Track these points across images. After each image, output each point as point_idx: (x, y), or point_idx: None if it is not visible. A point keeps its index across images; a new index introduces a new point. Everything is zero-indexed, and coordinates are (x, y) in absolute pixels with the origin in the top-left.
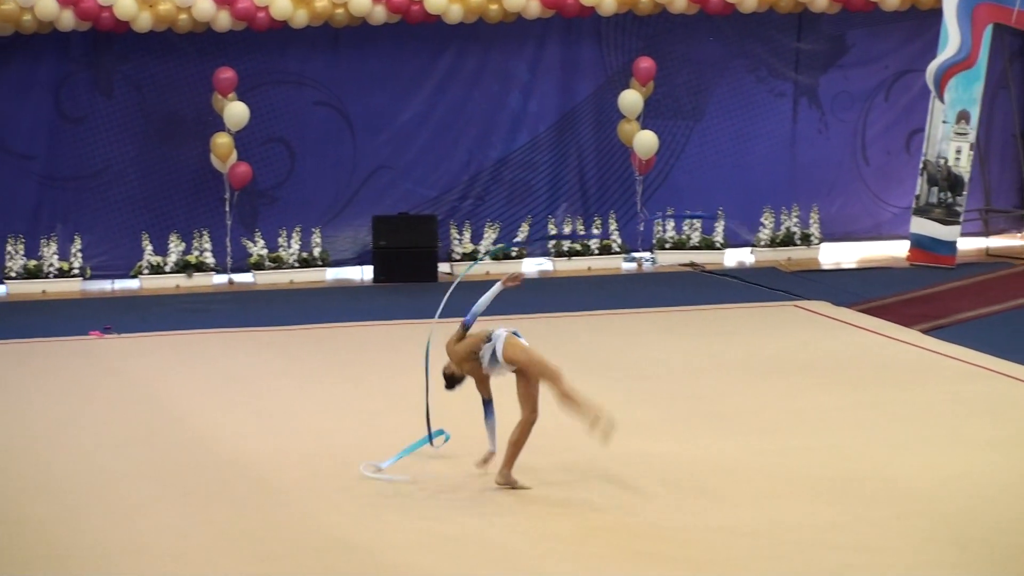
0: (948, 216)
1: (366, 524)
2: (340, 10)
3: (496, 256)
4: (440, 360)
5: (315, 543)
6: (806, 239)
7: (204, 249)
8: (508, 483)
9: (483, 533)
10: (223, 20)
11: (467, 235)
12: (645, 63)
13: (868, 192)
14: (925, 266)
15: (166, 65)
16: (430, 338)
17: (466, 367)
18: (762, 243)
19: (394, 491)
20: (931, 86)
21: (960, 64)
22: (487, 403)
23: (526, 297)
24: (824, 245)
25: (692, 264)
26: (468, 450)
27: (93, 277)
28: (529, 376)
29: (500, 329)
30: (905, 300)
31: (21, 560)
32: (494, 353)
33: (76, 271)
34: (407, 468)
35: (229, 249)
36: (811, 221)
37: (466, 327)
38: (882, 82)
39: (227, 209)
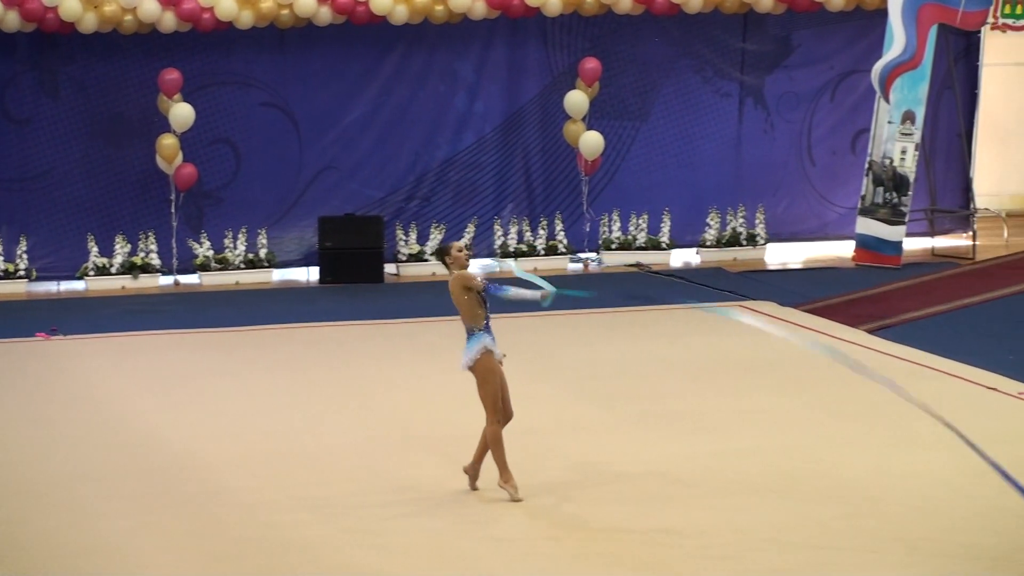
0: (893, 216)
1: (314, 524)
2: (286, 11)
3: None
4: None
5: (263, 543)
6: (752, 239)
7: (150, 250)
8: (509, 487)
9: (431, 533)
10: (168, 21)
11: (413, 236)
12: (591, 64)
13: (814, 192)
14: (871, 266)
15: (111, 66)
16: None
17: (451, 280)
18: (708, 243)
19: (342, 491)
20: (876, 86)
21: (905, 64)
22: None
23: None
24: (770, 245)
25: (639, 264)
26: (420, 454)
27: (39, 279)
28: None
29: (488, 337)
30: (851, 300)
31: None
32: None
33: (22, 272)
34: None
35: (175, 250)
36: (757, 221)
37: (486, 291)
38: (828, 82)
39: (173, 210)
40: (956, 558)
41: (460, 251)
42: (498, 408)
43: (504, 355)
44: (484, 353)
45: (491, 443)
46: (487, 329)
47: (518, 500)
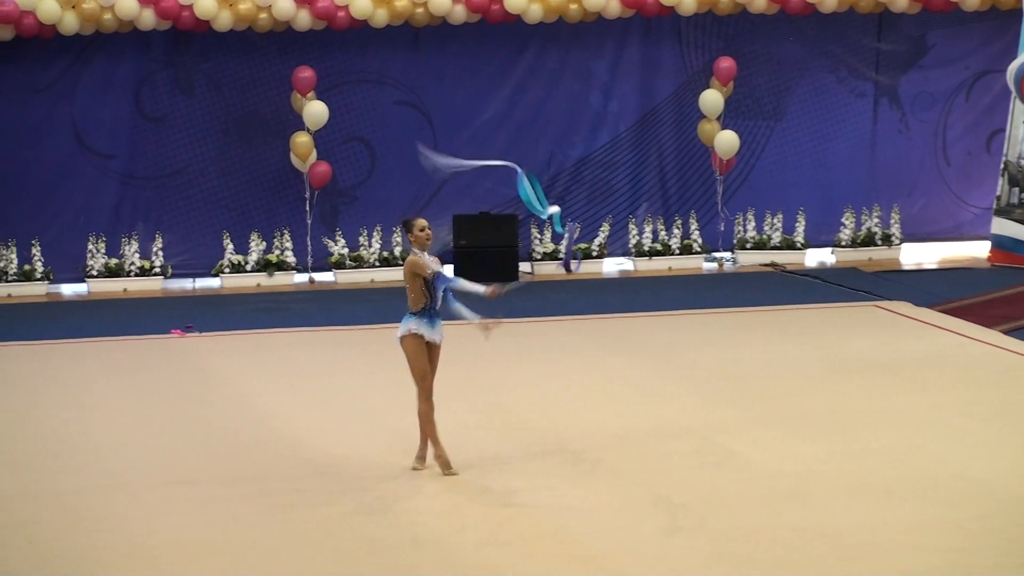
0: None
1: (444, 522)
2: (420, 9)
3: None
4: None
5: (393, 541)
6: (887, 239)
7: (285, 248)
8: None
9: (559, 529)
10: (303, 19)
11: (548, 235)
12: (726, 63)
13: (949, 192)
14: (1007, 267)
15: (246, 64)
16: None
17: (406, 261)
18: (843, 243)
19: (471, 490)
20: (1011, 87)
21: None
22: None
23: (607, 297)
24: (905, 245)
25: (773, 264)
26: (549, 456)
27: (174, 276)
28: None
29: (417, 320)
30: (986, 301)
31: (99, 555)
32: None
33: (157, 269)
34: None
35: (310, 248)
36: (892, 221)
37: (434, 278)
38: (962, 82)
39: (307, 208)
40: None
41: (423, 230)
42: (426, 386)
43: (438, 340)
44: (410, 334)
45: (421, 420)
46: (424, 314)
47: (452, 474)
